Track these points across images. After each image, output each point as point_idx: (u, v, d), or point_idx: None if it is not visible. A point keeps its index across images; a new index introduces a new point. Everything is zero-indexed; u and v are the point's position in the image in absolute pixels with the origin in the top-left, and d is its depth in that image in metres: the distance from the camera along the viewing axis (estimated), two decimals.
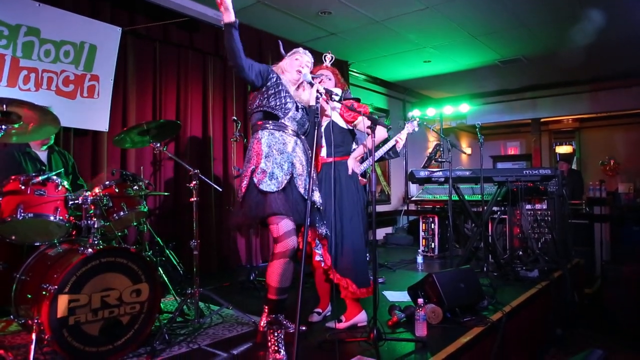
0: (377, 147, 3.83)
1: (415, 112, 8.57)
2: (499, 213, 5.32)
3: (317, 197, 2.62)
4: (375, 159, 3.90)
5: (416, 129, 3.97)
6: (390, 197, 8.19)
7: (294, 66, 2.64)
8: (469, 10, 4.97)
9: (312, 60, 2.74)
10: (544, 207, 5.12)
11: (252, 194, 2.43)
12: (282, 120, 2.53)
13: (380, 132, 2.98)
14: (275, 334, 2.42)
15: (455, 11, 5.01)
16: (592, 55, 6.50)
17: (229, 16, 2.33)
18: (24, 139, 2.75)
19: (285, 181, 2.45)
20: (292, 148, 2.53)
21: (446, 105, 8.52)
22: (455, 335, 2.74)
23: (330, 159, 2.93)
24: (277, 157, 2.47)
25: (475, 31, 5.65)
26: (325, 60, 3.13)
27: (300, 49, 2.73)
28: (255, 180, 2.41)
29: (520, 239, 5.05)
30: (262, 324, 2.52)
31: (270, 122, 2.52)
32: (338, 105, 2.94)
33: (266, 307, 2.50)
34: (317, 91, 2.49)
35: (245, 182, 2.48)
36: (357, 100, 4.41)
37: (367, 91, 7.71)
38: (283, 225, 2.41)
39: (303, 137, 2.67)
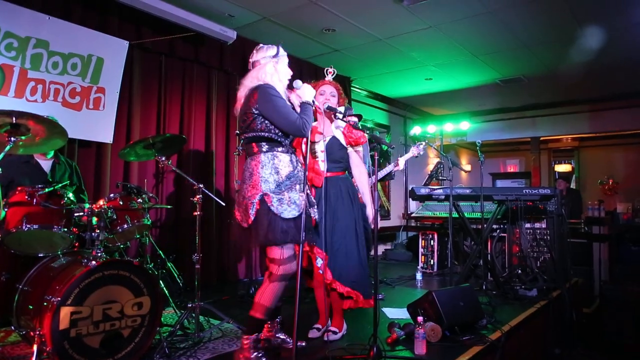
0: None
1: (416, 129, 8.64)
2: (498, 231, 5.34)
3: (313, 213, 2.64)
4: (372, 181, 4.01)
5: (421, 153, 4.03)
6: (389, 212, 8.21)
7: (287, 75, 2.60)
8: (471, 30, 5.06)
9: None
10: (543, 226, 5.14)
11: (264, 220, 2.38)
12: (282, 142, 2.51)
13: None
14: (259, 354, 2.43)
15: (458, 31, 5.09)
16: (592, 76, 6.59)
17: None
18: (30, 150, 2.77)
19: (303, 202, 2.43)
20: (291, 165, 2.51)
21: (447, 122, 8.59)
22: (455, 354, 2.73)
23: (331, 174, 2.98)
24: (287, 182, 2.44)
25: (476, 50, 5.73)
26: (328, 75, 3.17)
27: (265, 48, 2.57)
28: (275, 209, 2.36)
29: (519, 257, 5.07)
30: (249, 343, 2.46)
31: (269, 144, 2.48)
32: (342, 124, 3.00)
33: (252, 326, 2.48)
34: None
35: (254, 209, 2.39)
36: (359, 116, 4.48)
37: (369, 107, 7.78)
38: (288, 249, 2.44)
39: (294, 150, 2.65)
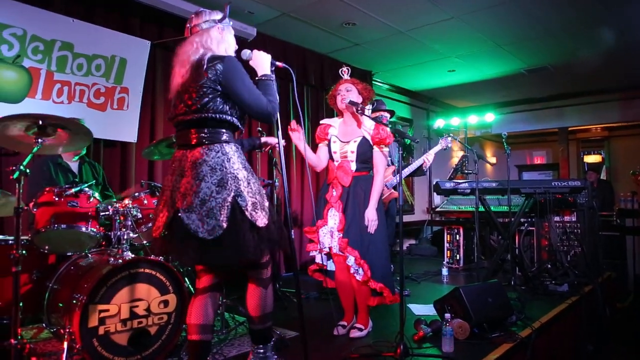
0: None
1: (439, 122, 8.50)
2: (526, 225, 5.21)
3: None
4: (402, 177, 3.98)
5: (449, 146, 3.94)
6: (413, 207, 8.12)
7: (233, 47, 2.17)
8: (495, 19, 4.93)
9: None
10: (573, 219, 5.00)
11: (239, 230, 1.90)
12: (239, 128, 2.09)
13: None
14: None
15: (481, 21, 4.97)
16: (622, 63, 6.37)
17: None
18: (56, 149, 2.80)
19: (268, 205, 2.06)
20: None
21: (471, 114, 8.44)
22: (484, 351, 2.68)
23: (359, 174, 2.98)
24: (253, 180, 2.02)
25: (500, 40, 5.59)
26: (343, 75, 3.14)
27: (207, 12, 2.11)
28: (250, 216, 1.92)
29: (549, 251, 4.93)
30: None
31: (228, 131, 2.02)
32: (371, 124, 2.96)
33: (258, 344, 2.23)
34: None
35: (224, 215, 1.88)
36: (392, 112, 4.44)
37: (391, 101, 7.69)
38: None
39: None
